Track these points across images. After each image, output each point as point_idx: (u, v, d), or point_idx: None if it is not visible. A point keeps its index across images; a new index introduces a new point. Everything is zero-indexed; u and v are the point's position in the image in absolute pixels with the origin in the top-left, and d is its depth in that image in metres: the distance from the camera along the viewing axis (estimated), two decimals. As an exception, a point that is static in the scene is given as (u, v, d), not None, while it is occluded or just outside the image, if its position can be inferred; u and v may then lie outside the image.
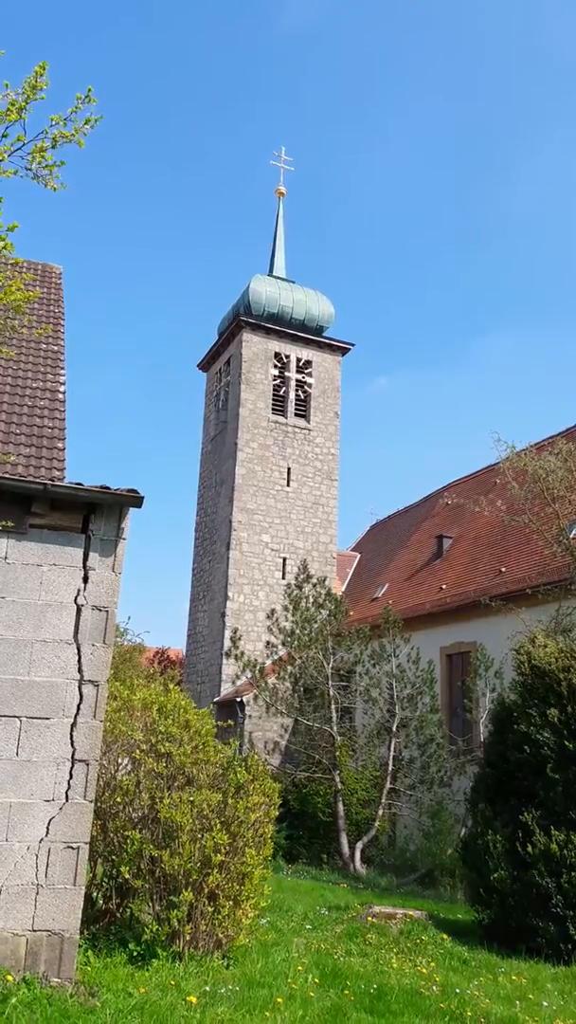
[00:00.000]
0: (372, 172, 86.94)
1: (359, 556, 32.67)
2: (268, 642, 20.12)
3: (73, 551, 6.15)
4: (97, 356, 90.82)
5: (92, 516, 6.23)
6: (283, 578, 25.99)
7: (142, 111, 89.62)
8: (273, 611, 19.95)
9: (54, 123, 5.63)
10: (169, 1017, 5.01)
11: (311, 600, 18.97)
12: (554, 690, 9.23)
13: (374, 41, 79.62)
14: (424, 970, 7.32)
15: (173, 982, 5.70)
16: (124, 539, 6.32)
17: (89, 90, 5.84)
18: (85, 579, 6.14)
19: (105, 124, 5.80)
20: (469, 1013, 6.16)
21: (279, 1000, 5.72)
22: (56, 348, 10.05)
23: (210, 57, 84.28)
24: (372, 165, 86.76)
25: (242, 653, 19.04)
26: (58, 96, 5.65)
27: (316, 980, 6.51)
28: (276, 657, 20.34)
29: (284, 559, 26.86)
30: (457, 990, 6.77)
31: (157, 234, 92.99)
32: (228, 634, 23.46)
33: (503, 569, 19.93)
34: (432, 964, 7.64)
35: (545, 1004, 6.78)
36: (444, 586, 22.23)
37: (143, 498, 6.14)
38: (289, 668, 19.33)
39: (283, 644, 19.08)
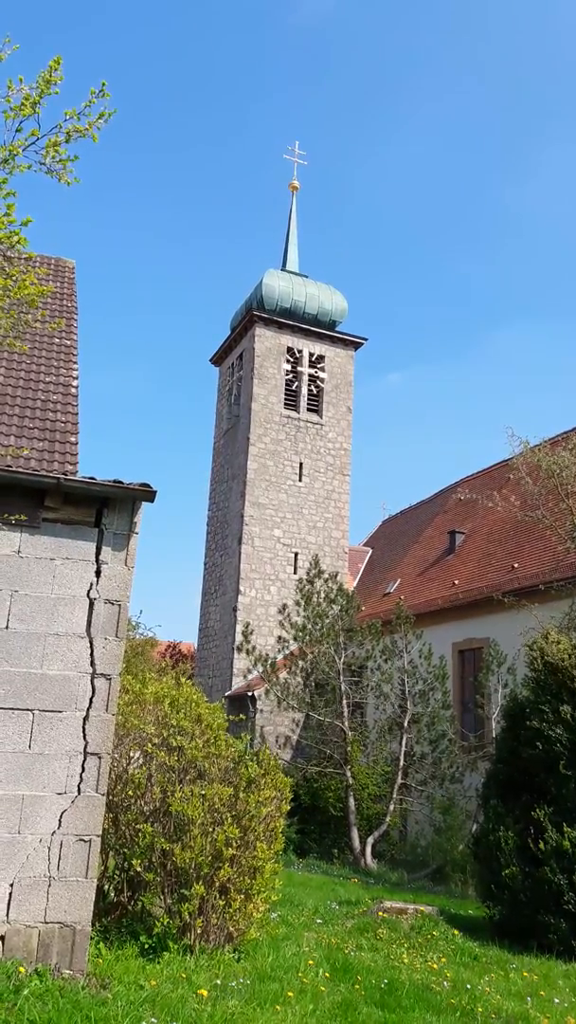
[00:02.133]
0: (386, 167, 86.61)
1: (371, 551, 32.62)
2: (280, 637, 20.14)
3: (86, 545, 6.15)
4: (110, 350, 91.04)
5: (105, 510, 6.23)
6: (295, 573, 25.99)
7: (155, 105, 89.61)
8: (285, 606, 19.94)
9: (68, 117, 5.63)
10: (180, 1010, 5.03)
11: (323, 595, 18.97)
12: (567, 686, 9.20)
13: (390, 35, 79.24)
14: (435, 965, 7.32)
15: (184, 975, 5.72)
16: (136, 533, 6.32)
17: (103, 84, 5.83)
18: (98, 573, 6.14)
19: (118, 117, 5.79)
20: (480, 1009, 6.15)
21: (290, 994, 5.73)
22: (69, 343, 10.07)
23: (224, 51, 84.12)
24: (386, 160, 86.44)
25: (253, 648, 19.06)
26: (71, 89, 5.63)
27: (327, 974, 6.51)
28: (287, 652, 20.36)
29: (296, 554, 26.86)
30: (468, 986, 6.77)
31: (170, 228, 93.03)
32: (240, 629, 23.49)
33: (516, 565, 19.84)
34: (443, 960, 7.64)
35: (557, 1000, 6.76)
36: (456, 582, 22.17)
37: (156, 492, 6.14)
38: (300, 663, 19.34)
39: (294, 639, 19.09)
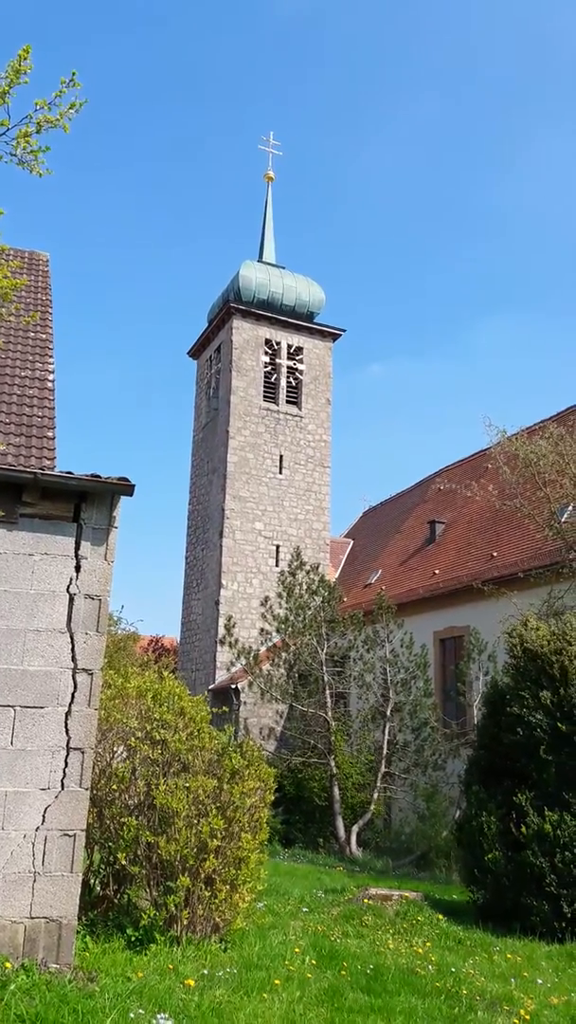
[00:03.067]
0: (364, 158, 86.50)
1: (352, 543, 32.73)
2: (262, 629, 20.19)
3: (65, 540, 6.13)
4: (86, 346, 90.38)
5: (83, 505, 6.21)
6: (276, 565, 26.03)
7: (129, 97, 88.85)
8: (267, 598, 19.98)
9: (39, 108, 5.59)
10: (167, 1000, 5.05)
11: (304, 587, 19.03)
12: (546, 672, 9.29)
13: (366, 25, 79.02)
14: (420, 950, 7.39)
15: (171, 966, 5.74)
16: (116, 528, 6.30)
17: (74, 74, 5.80)
18: (77, 568, 6.12)
19: (92, 110, 5.76)
20: (464, 991, 6.23)
21: (277, 982, 5.78)
22: (44, 336, 9.99)
23: (198, 42, 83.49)
24: (364, 151, 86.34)
25: (236, 640, 19.09)
26: (43, 83, 5.59)
27: (313, 961, 6.56)
28: (270, 644, 20.41)
29: (277, 546, 26.89)
30: (453, 969, 6.85)
31: (146, 221, 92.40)
32: (222, 622, 23.48)
33: (495, 553, 20.00)
34: (428, 944, 7.72)
35: (540, 981, 6.86)
36: (437, 571, 22.30)
37: (134, 486, 6.13)
38: (283, 655, 19.40)
39: (277, 631, 19.14)
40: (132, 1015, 4.69)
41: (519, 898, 8.61)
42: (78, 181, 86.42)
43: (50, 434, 8.45)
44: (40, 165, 5.54)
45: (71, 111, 5.76)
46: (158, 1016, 4.72)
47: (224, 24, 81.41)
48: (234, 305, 28.18)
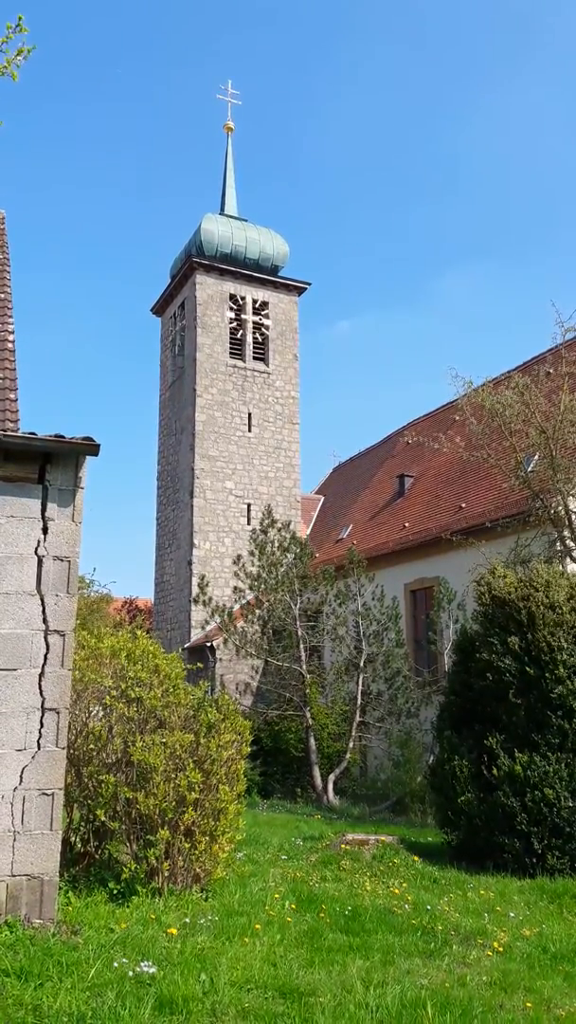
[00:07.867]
0: (325, 109, 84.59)
1: (323, 499, 32.81)
2: (236, 587, 20.30)
3: (31, 502, 6.06)
4: (47, 305, 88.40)
5: (48, 466, 6.12)
6: (248, 524, 26.05)
7: (82, 47, 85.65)
8: (239, 557, 20.03)
9: (-17, 54, 5.38)
10: (151, 949, 5.16)
11: (276, 544, 19.10)
12: (514, 618, 9.46)
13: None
14: (396, 891, 7.61)
15: (153, 916, 5.86)
16: (82, 488, 6.23)
17: (20, 19, 5.57)
18: (45, 530, 6.06)
19: (44, 61, 5.55)
20: (440, 927, 6.44)
21: (258, 926, 5.92)
22: (2, 296, 9.76)
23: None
24: (325, 102, 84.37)
25: (210, 599, 19.18)
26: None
27: (293, 906, 6.72)
28: (244, 602, 20.55)
29: (248, 505, 26.86)
30: (428, 907, 7.06)
31: (105, 175, 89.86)
32: (195, 581, 23.53)
33: (463, 505, 20.18)
34: (404, 885, 7.94)
35: (512, 915, 7.10)
36: (406, 524, 22.48)
37: (99, 446, 6.05)
38: (257, 611, 19.54)
39: (250, 588, 19.24)
40: (116, 964, 4.79)
41: (491, 837, 8.87)
42: (32, 135, 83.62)
43: (12, 395, 8.31)
44: (-12, 114, 5.34)
45: (19, 58, 5.55)
46: (141, 964, 4.82)
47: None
48: (197, 260, 27.67)
